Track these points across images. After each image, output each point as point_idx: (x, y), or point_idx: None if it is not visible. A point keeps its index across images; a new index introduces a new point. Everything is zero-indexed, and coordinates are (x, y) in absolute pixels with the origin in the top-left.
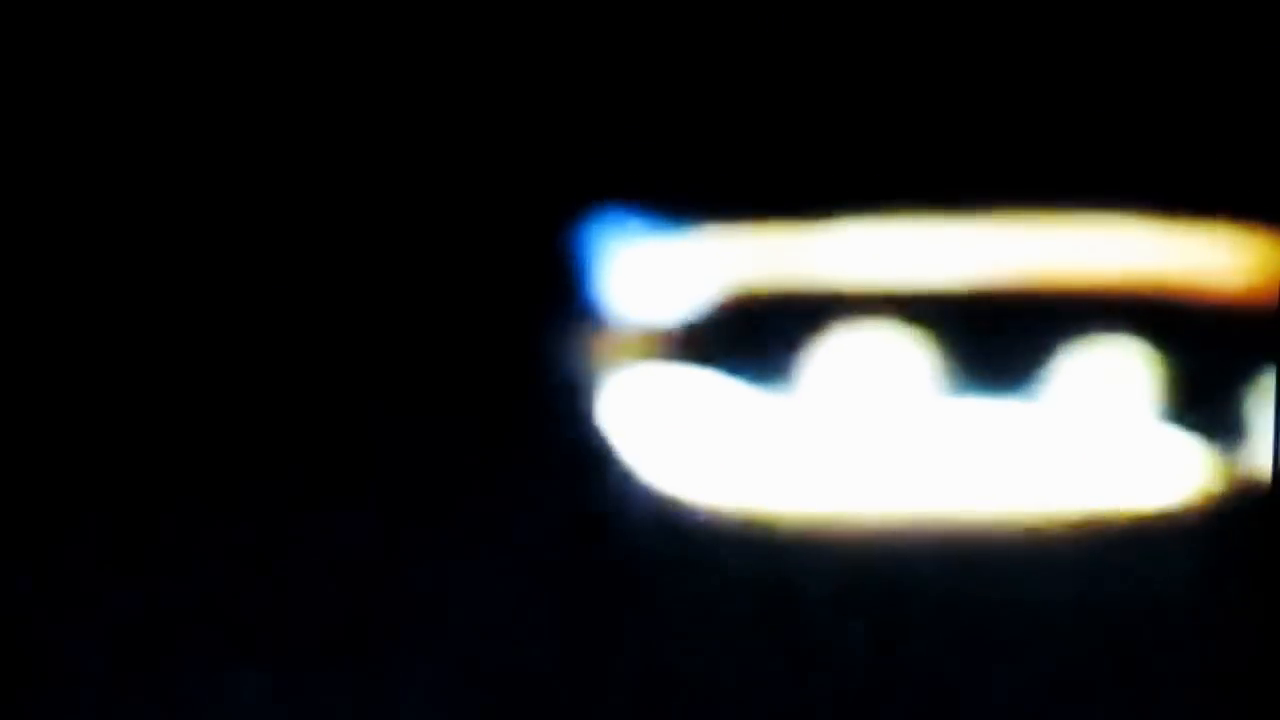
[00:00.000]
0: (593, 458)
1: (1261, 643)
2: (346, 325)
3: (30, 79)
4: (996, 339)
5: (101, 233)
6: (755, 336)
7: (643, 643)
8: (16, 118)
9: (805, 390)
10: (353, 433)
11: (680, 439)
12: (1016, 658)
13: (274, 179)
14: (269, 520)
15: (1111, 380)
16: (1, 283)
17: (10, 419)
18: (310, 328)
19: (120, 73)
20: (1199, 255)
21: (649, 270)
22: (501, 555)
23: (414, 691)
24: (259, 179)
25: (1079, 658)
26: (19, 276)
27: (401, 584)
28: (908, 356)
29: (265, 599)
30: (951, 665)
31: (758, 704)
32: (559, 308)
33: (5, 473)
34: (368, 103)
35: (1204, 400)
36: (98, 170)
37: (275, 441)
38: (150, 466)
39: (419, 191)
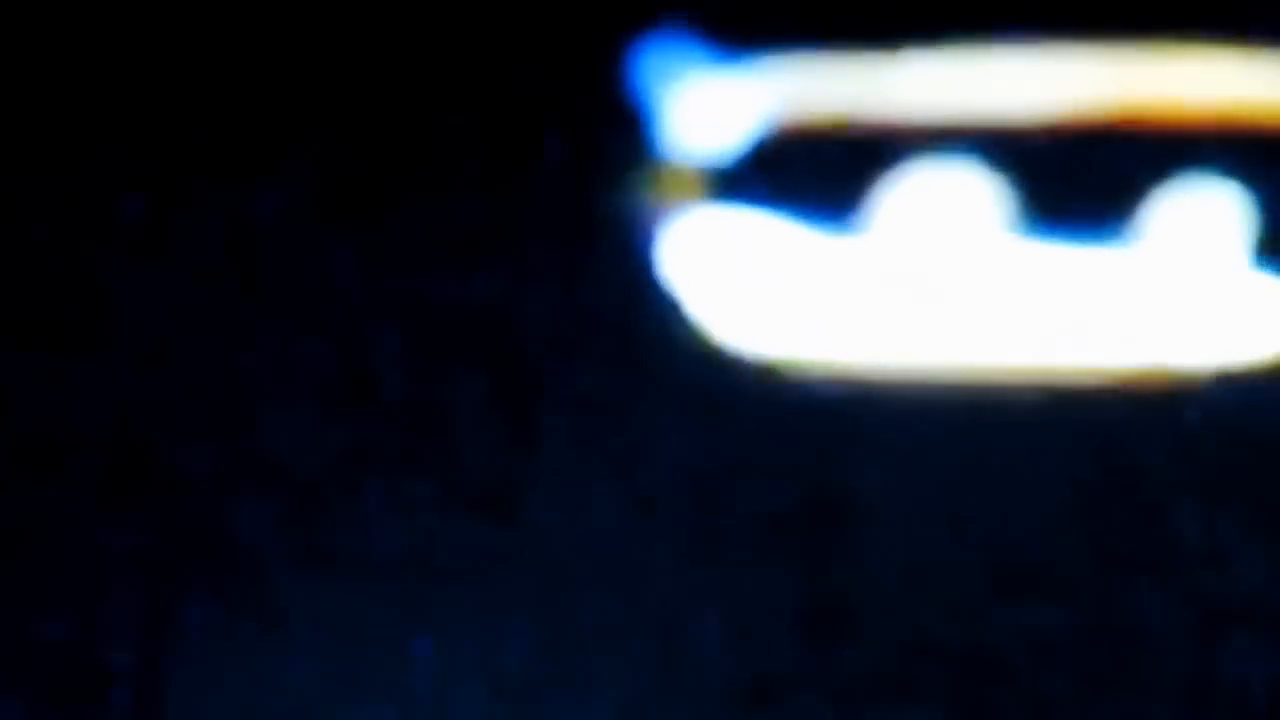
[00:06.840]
0: (648, 300)
1: None
2: (399, 161)
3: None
4: (1075, 178)
5: None
6: (817, 174)
7: (693, 484)
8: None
9: (869, 232)
10: (409, 276)
11: (737, 282)
12: (1094, 511)
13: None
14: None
15: (1201, 223)
16: None
17: None
18: (370, 168)
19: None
20: None
21: (706, 104)
22: (561, 401)
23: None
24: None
25: (1168, 511)
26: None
27: (467, 427)
28: (979, 196)
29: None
30: (1018, 521)
31: (808, 555)
32: (615, 144)
33: None
34: None
35: None
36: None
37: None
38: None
39: (469, 24)
